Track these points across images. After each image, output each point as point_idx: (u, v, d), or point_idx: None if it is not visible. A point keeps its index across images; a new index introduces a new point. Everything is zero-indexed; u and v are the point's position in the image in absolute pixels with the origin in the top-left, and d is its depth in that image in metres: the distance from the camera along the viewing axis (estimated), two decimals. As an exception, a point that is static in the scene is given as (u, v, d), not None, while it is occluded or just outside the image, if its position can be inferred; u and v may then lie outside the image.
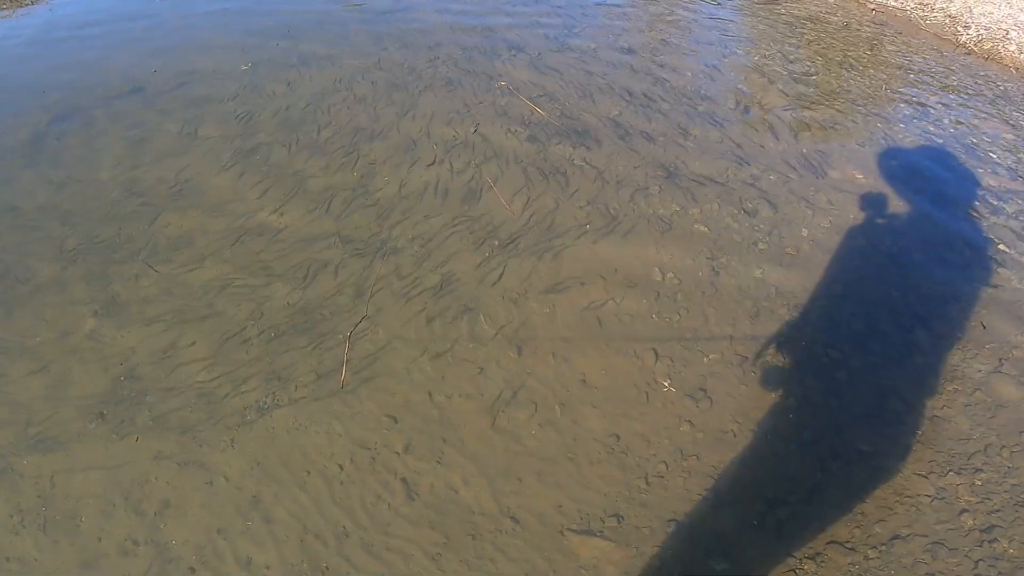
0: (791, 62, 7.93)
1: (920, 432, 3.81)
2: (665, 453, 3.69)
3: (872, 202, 5.46)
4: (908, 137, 6.40)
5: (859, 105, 6.96)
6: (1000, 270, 4.86)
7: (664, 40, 8.52)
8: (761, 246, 4.98)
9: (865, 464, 3.66)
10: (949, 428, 3.82)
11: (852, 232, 5.15)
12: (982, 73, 7.74)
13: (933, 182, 5.75)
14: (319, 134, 6.36)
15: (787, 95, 7.13)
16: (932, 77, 7.61)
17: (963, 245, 5.07)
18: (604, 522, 3.39)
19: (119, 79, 7.53)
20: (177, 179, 5.77)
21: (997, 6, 9.12)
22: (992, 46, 8.27)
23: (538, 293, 4.62)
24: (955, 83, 7.48)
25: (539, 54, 8.03)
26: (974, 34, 8.58)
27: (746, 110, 6.81)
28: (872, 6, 9.77)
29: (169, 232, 5.19)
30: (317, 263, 4.88)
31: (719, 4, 9.91)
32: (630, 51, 8.14)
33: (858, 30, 8.99)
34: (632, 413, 3.89)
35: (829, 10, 9.78)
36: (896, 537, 3.31)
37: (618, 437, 3.77)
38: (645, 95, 7.05)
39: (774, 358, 4.22)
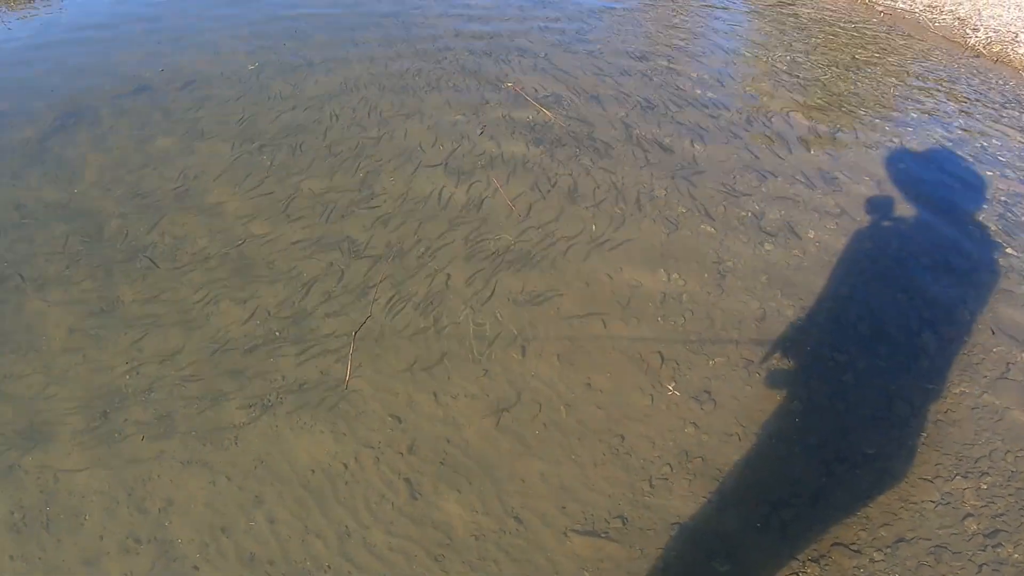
0: (798, 64, 7.91)
1: (926, 436, 3.80)
2: (669, 455, 3.69)
3: (879, 205, 5.44)
4: (916, 140, 6.38)
5: (867, 108, 6.93)
6: (1008, 274, 4.84)
7: (671, 41, 8.50)
8: (767, 247, 4.96)
9: (870, 467, 3.64)
10: (955, 432, 3.81)
11: (859, 235, 5.13)
12: (991, 76, 7.71)
13: (941, 185, 5.73)
14: (325, 136, 6.37)
15: (794, 97, 7.11)
16: (940, 80, 7.58)
17: (971, 248, 5.04)
18: (608, 523, 3.38)
19: (126, 78, 7.55)
20: (182, 179, 5.79)
21: (1007, 8, 9.09)
22: (1001, 49, 8.24)
23: (542, 294, 4.62)
24: (963, 86, 7.45)
25: (545, 55, 8.03)
26: (983, 37, 8.55)
27: (752, 111, 6.79)
28: (880, 8, 9.73)
29: (174, 232, 5.20)
30: (321, 263, 4.88)
31: (726, 8, 9.87)
32: (640, 57, 8.12)
33: (866, 32, 8.95)
34: (637, 415, 3.88)
35: (837, 12, 9.75)
36: (901, 540, 3.30)
37: (622, 438, 3.76)
38: (651, 95, 7.04)
39: (779, 361, 4.21)
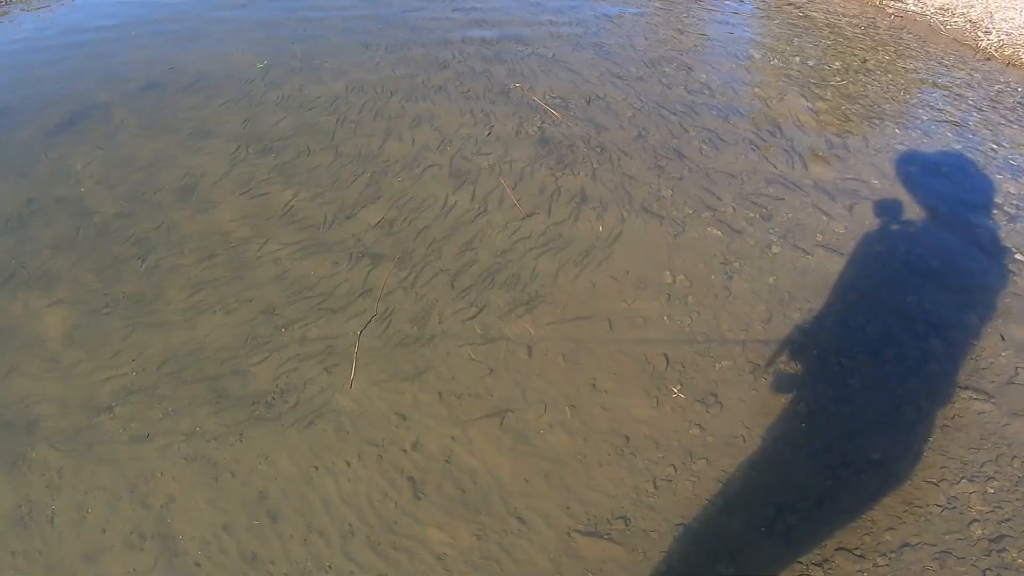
0: (807, 66, 7.88)
1: (932, 440, 3.78)
2: (674, 456, 3.68)
3: (888, 208, 5.41)
4: (926, 143, 6.35)
5: (876, 111, 6.90)
6: (1017, 279, 4.81)
7: (680, 43, 8.49)
8: (775, 250, 4.94)
9: (876, 471, 3.63)
10: (962, 436, 3.78)
11: (868, 238, 5.11)
12: (1002, 79, 7.66)
13: (951, 189, 5.70)
14: (332, 136, 6.37)
15: (803, 99, 7.08)
16: (951, 83, 7.54)
17: (980, 253, 5.02)
18: (611, 524, 3.38)
19: (135, 76, 7.57)
20: (187, 178, 5.80)
21: (1019, 11, 9.03)
22: (1013, 52, 8.19)
23: (547, 294, 4.62)
24: (974, 89, 7.42)
25: (553, 55, 8.02)
26: (995, 39, 8.50)
27: (760, 113, 6.77)
28: (891, 11, 9.68)
29: (179, 230, 5.21)
30: (326, 262, 4.89)
31: (736, 12, 9.85)
32: (648, 58, 8.12)
33: (876, 35, 8.91)
34: (642, 416, 3.87)
35: (848, 15, 9.70)
36: (905, 545, 3.28)
37: (627, 439, 3.75)
38: (658, 97, 7.03)
39: (786, 364, 4.19)
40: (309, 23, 8.96)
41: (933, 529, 3.35)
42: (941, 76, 7.71)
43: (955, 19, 9.21)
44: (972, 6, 9.38)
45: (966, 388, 4.06)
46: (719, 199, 5.45)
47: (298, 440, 3.75)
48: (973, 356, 4.28)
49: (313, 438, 3.76)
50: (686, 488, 3.53)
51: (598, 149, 6.10)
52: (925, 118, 6.79)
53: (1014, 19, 8.90)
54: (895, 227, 5.25)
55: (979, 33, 8.74)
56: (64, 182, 5.78)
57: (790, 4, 10.09)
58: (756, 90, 7.28)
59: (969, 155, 6.16)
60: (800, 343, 4.31)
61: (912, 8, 9.67)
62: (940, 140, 6.40)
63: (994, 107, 7.04)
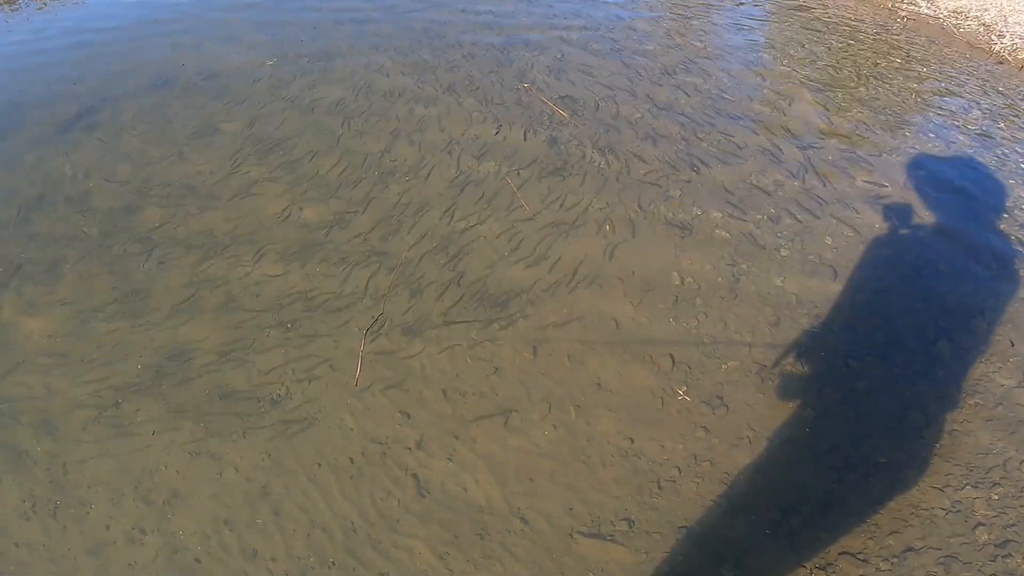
0: (818, 69, 7.85)
1: (939, 445, 3.76)
2: (679, 458, 3.66)
3: (898, 212, 5.39)
4: (937, 147, 6.31)
5: (888, 114, 6.87)
6: (1028, 284, 4.79)
7: (689, 44, 8.47)
8: (783, 252, 4.92)
9: (881, 476, 3.61)
10: (968, 442, 3.76)
11: (877, 242, 5.08)
12: (1015, 83, 7.62)
13: (961, 193, 5.67)
14: (339, 135, 6.37)
15: (814, 102, 7.06)
16: (964, 86, 7.51)
17: (991, 258, 4.99)
18: (614, 525, 3.37)
19: (147, 72, 7.59)
20: (198, 175, 5.81)
21: (1033, 15, 9.00)
22: (1027, 55, 8.17)
23: (554, 294, 4.61)
24: (987, 93, 7.38)
25: (563, 55, 8.01)
26: (1008, 43, 8.46)
27: (770, 115, 6.75)
28: (904, 14, 9.63)
29: (188, 226, 5.22)
30: (333, 259, 4.89)
31: (747, 15, 9.81)
32: (656, 59, 8.10)
33: (888, 38, 8.87)
34: (647, 417, 3.86)
35: (859, 18, 9.66)
36: (909, 549, 3.26)
37: (632, 440, 3.74)
38: (666, 98, 7.02)
39: (793, 367, 4.17)
40: (317, 23, 8.96)
41: (938, 533, 3.33)
42: (953, 80, 7.68)
43: (968, 22, 9.16)
44: (986, 9, 9.34)
45: (974, 393, 4.04)
46: (727, 201, 5.44)
47: (302, 437, 3.75)
48: (982, 361, 4.25)
49: (317, 435, 3.76)
50: (690, 490, 3.52)
51: (606, 150, 6.09)
52: (937, 122, 6.75)
53: (1029, 23, 8.86)
54: (904, 231, 5.22)
55: (992, 37, 8.69)
56: (72, 178, 5.79)
57: (801, 7, 10.06)
58: (766, 92, 7.25)
59: (981, 159, 6.13)
60: (807, 346, 4.29)
61: (925, 11, 9.63)
62: (952, 144, 6.37)
63: (1007, 111, 7.00)
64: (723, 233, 5.10)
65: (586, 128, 6.41)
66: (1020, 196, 5.63)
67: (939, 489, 3.53)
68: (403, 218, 5.23)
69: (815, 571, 3.19)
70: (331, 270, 4.79)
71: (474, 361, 4.17)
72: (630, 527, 3.35)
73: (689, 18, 9.43)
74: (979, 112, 6.97)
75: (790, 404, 3.95)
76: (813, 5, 10.15)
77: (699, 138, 6.28)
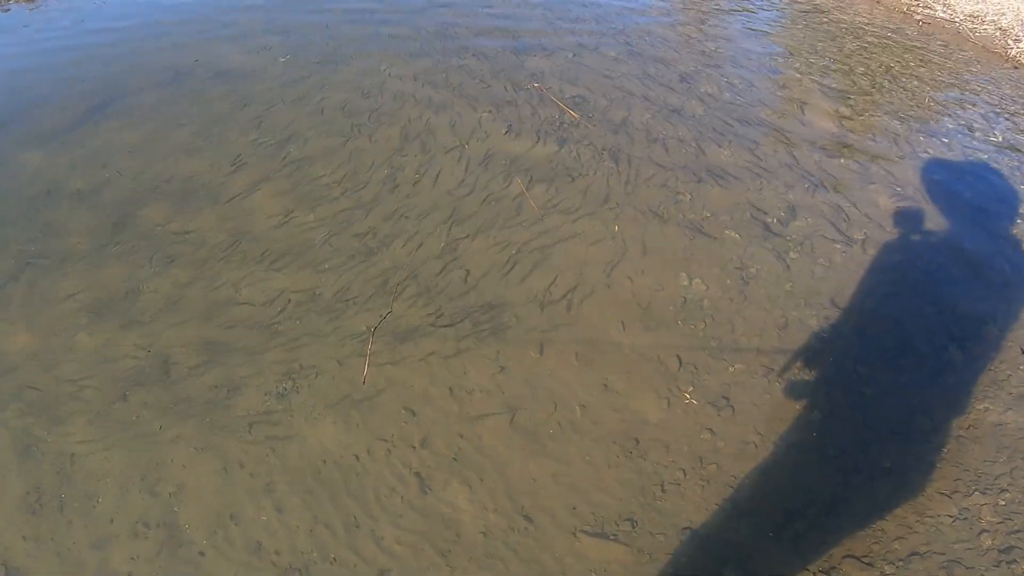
0: (831, 73, 7.83)
1: (946, 451, 3.74)
2: (684, 460, 3.66)
3: (910, 217, 5.36)
4: (950, 152, 6.29)
5: (901, 118, 6.84)
6: (1040, 290, 4.76)
7: (702, 46, 8.44)
8: (793, 255, 4.91)
9: (888, 480, 3.60)
10: (976, 448, 3.75)
11: (888, 247, 5.06)
12: (1030, 89, 7.60)
13: (974, 199, 5.64)
14: (351, 133, 6.36)
15: (825, 105, 7.04)
16: (978, 91, 7.48)
17: (1004, 264, 4.97)
18: (618, 526, 3.36)
19: (162, 67, 7.61)
20: (211, 167, 5.83)
21: (1050, 20, 8.96)
22: (1043, 61, 8.13)
23: (561, 294, 4.61)
24: (1002, 98, 7.34)
25: (575, 55, 8.01)
26: (1024, 48, 8.44)
27: (781, 118, 6.73)
28: (919, 17, 9.60)
29: (200, 220, 5.24)
30: (342, 255, 4.89)
31: (760, 17, 9.79)
32: (668, 61, 8.09)
33: (902, 42, 8.83)
34: (652, 418, 3.86)
35: (873, 21, 9.63)
36: (914, 554, 3.25)
37: (637, 441, 3.73)
38: (677, 100, 7.00)
39: (801, 371, 4.16)
40: (331, 21, 8.97)
41: (943, 539, 3.32)
42: (968, 84, 7.64)
43: (984, 26, 9.13)
44: (1003, 14, 9.30)
45: (983, 399, 4.02)
46: (738, 203, 5.42)
47: (307, 432, 3.76)
48: (991, 368, 4.23)
49: (322, 431, 3.77)
50: (695, 492, 3.51)
51: (616, 150, 6.08)
52: (950, 126, 6.73)
53: (1045, 28, 8.81)
54: (916, 236, 5.20)
55: (1009, 41, 8.66)
56: (86, 170, 5.82)
57: (815, 9, 10.04)
58: (778, 94, 7.24)
59: (994, 164, 6.11)
60: (816, 349, 4.28)
61: (941, 15, 9.59)
62: (965, 150, 6.34)
63: (1021, 117, 6.96)
64: (732, 234, 5.08)
65: (596, 129, 6.41)
66: (1034, 202, 5.61)
67: (946, 495, 3.52)
68: (411, 217, 5.23)
69: (819, 574, 3.19)
70: (340, 267, 4.79)
71: (481, 359, 4.17)
72: (633, 528, 3.35)
73: (700, 20, 9.41)
74: (994, 117, 6.94)
75: (797, 407, 3.94)
76: (828, 7, 10.12)
77: (708, 140, 6.26)
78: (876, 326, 4.45)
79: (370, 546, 3.26)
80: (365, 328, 4.35)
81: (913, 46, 8.69)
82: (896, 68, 8.00)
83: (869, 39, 8.91)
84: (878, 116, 6.87)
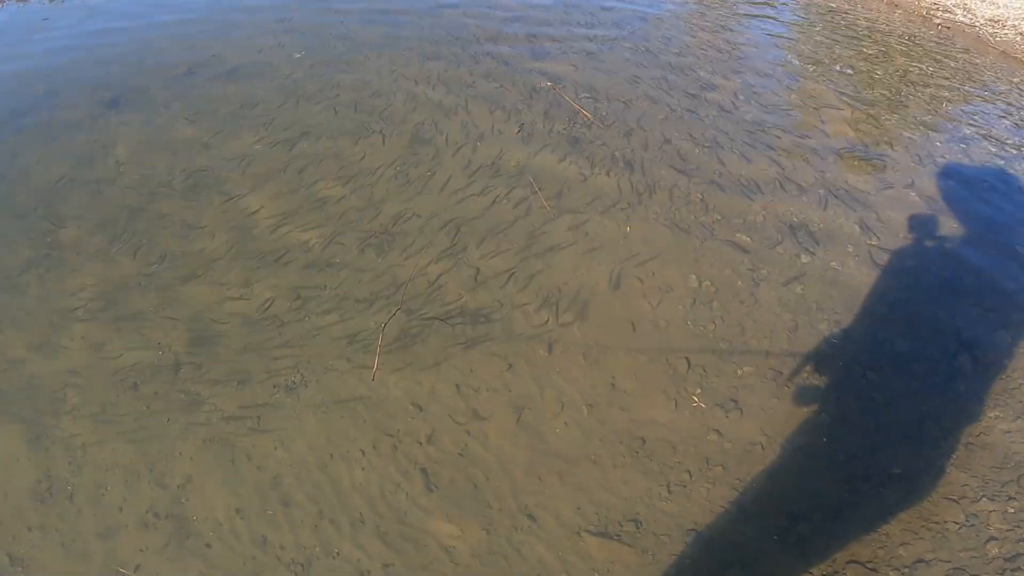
0: (848, 76, 7.78)
1: (955, 457, 3.72)
2: (690, 461, 3.65)
3: (925, 222, 5.33)
4: (967, 158, 6.24)
5: (918, 123, 6.80)
6: (1054, 300, 4.73)
7: (718, 48, 8.41)
8: (804, 259, 4.89)
9: (896, 486, 3.58)
10: (986, 455, 3.73)
11: (901, 252, 5.03)
12: (1050, 94, 7.54)
13: (991, 205, 5.60)
14: (364, 130, 6.37)
15: (841, 108, 7.00)
16: (997, 97, 7.42)
17: (1017, 271, 4.93)
18: (622, 526, 3.36)
19: (177, 62, 7.65)
20: (224, 161, 5.86)
21: (1074, 26, 8.88)
22: (1064, 67, 8.05)
23: (571, 293, 4.61)
24: (1020, 104, 7.28)
25: (588, 54, 7.99)
26: (1046, 53, 8.36)
27: (796, 121, 6.70)
28: (938, 21, 9.52)
29: (213, 213, 5.27)
30: (353, 252, 4.91)
31: (775, 18, 9.74)
32: (683, 64, 8.06)
33: (921, 45, 8.77)
34: (659, 419, 3.85)
35: (892, 24, 9.56)
36: (919, 561, 3.24)
37: (643, 441, 3.73)
38: (691, 103, 6.98)
39: (810, 374, 4.14)
40: (346, 19, 8.97)
41: (949, 546, 3.30)
42: (987, 89, 7.59)
43: (1005, 31, 9.05)
44: (1024, 18, 9.23)
45: (994, 407, 4.00)
46: (750, 206, 5.40)
47: (315, 427, 3.78)
48: (1003, 376, 4.20)
49: (330, 425, 3.79)
50: (700, 493, 3.51)
51: (628, 151, 6.07)
52: (967, 132, 6.68)
53: (1068, 34, 8.74)
54: (930, 242, 5.16)
55: (1030, 46, 8.59)
56: (102, 162, 5.86)
57: (832, 11, 9.98)
58: (793, 97, 7.20)
59: (1011, 171, 6.06)
60: (826, 354, 4.26)
61: (961, 19, 9.51)
62: (982, 155, 6.30)
63: (1040, 122, 6.92)
64: (744, 237, 5.07)
65: (607, 129, 6.39)
66: (1050, 209, 5.57)
67: (954, 501, 3.50)
68: (422, 216, 5.24)
69: (822, 579, 3.19)
70: (350, 263, 4.82)
71: (489, 356, 4.18)
72: (638, 528, 3.35)
73: (717, 21, 9.36)
74: (1012, 123, 6.89)
75: (804, 411, 3.92)
76: (846, 9, 10.06)
77: (720, 143, 6.24)
78: (887, 331, 4.43)
79: (374, 542, 3.28)
80: (375, 324, 4.36)
81: (931, 50, 8.61)
82: (914, 72, 7.95)
83: (888, 43, 8.84)
84: (895, 121, 6.82)
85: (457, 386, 4.00)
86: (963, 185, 5.83)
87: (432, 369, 4.10)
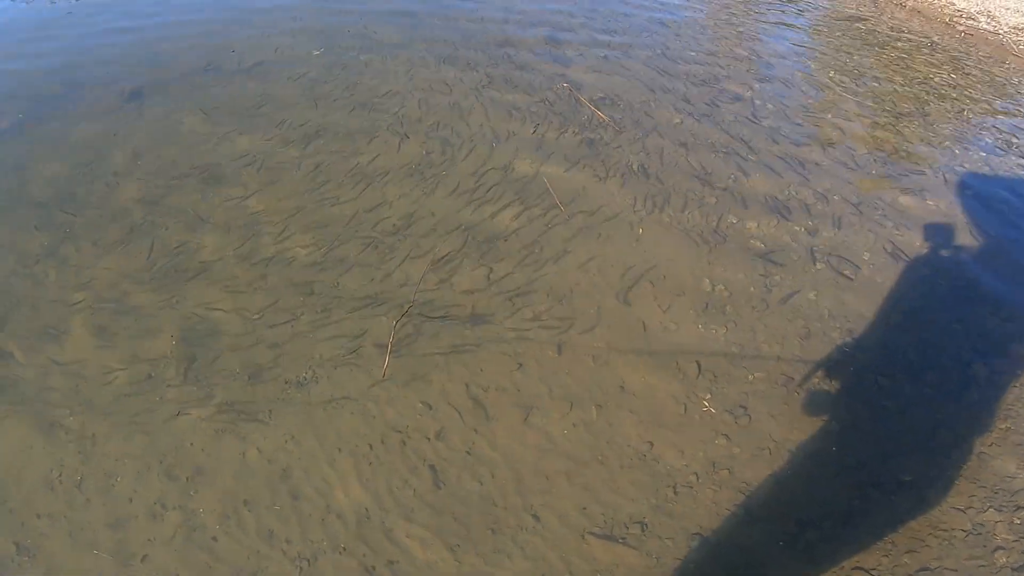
0: (867, 83, 7.73)
1: (965, 467, 3.70)
2: (697, 464, 3.65)
3: (942, 231, 5.30)
4: (986, 167, 6.20)
5: (937, 131, 6.76)
6: (1070, 310, 4.69)
7: (735, 53, 8.37)
8: (819, 266, 4.87)
9: (905, 494, 3.57)
10: (996, 465, 3.71)
11: (917, 261, 5.01)
12: (1075, 104, 7.47)
13: (1009, 215, 5.57)
14: (379, 127, 6.38)
15: (860, 116, 6.96)
16: (1018, 105, 7.36)
17: (1034, 280, 4.91)
18: (628, 528, 3.37)
19: (196, 58, 7.68)
20: (243, 158, 5.88)
21: (1099, 35, 8.80)
22: (1089, 77, 7.98)
23: (580, 295, 4.61)
24: (1046, 113, 7.24)
25: (605, 56, 7.97)
26: (1072, 64, 8.28)
27: (813, 127, 6.66)
28: (961, 28, 9.44)
29: (227, 205, 5.31)
30: (366, 250, 4.92)
31: (794, 24, 9.70)
32: (700, 68, 8.04)
33: (943, 53, 8.69)
34: (668, 422, 3.85)
35: (913, 31, 9.48)
36: (924, 569, 3.23)
37: (651, 444, 3.73)
38: (707, 107, 6.95)
39: (822, 381, 4.13)
40: (365, 19, 8.99)
41: (955, 554, 3.29)
42: (1009, 98, 7.53)
43: (1030, 39, 8.98)
44: (1050, 27, 9.15)
45: (1006, 418, 3.98)
46: (764, 211, 5.39)
47: (325, 421, 3.80)
48: (1016, 385, 4.18)
49: (340, 421, 3.81)
50: (707, 497, 3.50)
51: (643, 155, 6.06)
52: (988, 141, 6.63)
53: (1093, 43, 8.66)
54: (946, 251, 5.13)
55: (1056, 56, 8.52)
56: (118, 157, 5.90)
57: (851, 18, 9.91)
58: (810, 102, 7.16)
59: (1031, 181, 6.02)
60: (838, 360, 4.24)
61: (984, 26, 9.43)
62: (1003, 165, 6.25)
63: (1061, 132, 6.86)
64: (757, 243, 5.05)
65: (624, 133, 6.38)
66: (1069, 221, 5.52)
67: (961, 511, 3.48)
68: (435, 215, 5.26)
69: (827, 585, 3.18)
70: (364, 259, 4.83)
71: (499, 356, 4.19)
72: (643, 531, 3.35)
73: (737, 25, 9.32)
74: (1035, 132, 6.85)
75: (815, 417, 3.91)
76: (866, 16, 10.00)
77: (736, 147, 6.22)
78: (900, 339, 4.41)
79: (380, 538, 3.29)
80: (386, 322, 4.38)
81: (953, 58, 8.54)
82: (935, 79, 7.89)
83: (908, 50, 8.78)
84: (914, 129, 6.78)
85: (466, 385, 4.01)
86: (982, 195, 5.79)
87: (442, 368, 4.11)
